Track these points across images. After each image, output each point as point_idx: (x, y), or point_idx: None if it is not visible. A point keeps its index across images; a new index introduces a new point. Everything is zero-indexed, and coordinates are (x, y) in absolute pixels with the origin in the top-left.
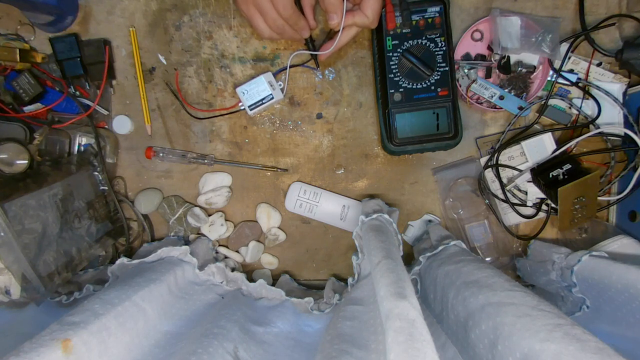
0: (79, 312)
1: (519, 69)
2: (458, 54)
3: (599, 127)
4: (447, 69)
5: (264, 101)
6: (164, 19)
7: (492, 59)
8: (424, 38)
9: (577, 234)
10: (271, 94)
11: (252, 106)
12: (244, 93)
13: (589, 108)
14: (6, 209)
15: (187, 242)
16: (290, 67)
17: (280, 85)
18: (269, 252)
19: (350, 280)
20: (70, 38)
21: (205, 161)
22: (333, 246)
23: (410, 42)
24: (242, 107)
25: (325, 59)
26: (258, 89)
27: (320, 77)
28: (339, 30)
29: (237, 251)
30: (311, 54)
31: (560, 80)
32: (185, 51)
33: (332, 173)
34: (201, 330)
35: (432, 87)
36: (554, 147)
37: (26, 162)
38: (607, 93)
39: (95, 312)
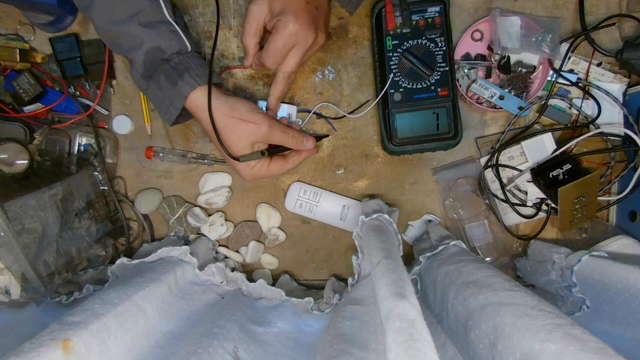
0: (79, 312)
1: (519, 69)
2: (458, 54)
3: (599, 127)
4: (447, 69)
5: None
6: None
7: (492, 59)
8: (424, 38)
9: (577, 234)
10: None
11: None
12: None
13: (589, 108)
14: (6, 209)
15: (187, 242)
16: (313, 113)
17: (298, 122)
18: (269, 252)
19: (350, 280)
20: (70, 38)
21: (205, 161)
22: (333, 246)
23: (410, 42)
24: None
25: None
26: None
27: (320, 77)
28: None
29: (237, 251)
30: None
31: (560, 80)
32: None
33: (332, 173)
34: (201, 330)
35: (432, 87)
36: (554, 147)
37: (26, 162)
38: (607, 93)
39: (95, 312)
